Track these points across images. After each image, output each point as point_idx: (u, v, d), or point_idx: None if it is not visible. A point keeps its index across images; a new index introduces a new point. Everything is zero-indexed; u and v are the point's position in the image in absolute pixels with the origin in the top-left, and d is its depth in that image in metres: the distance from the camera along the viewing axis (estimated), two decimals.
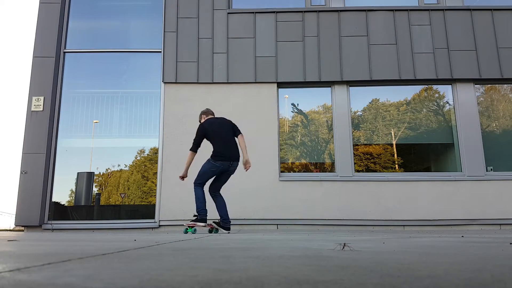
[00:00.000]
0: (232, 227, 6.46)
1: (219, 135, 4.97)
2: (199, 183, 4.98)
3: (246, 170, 5.06)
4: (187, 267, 1.08)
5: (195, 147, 4.99)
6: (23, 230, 6.67)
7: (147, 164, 7.08)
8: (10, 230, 9.72)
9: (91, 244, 2.16)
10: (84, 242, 2.34)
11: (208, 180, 5.04)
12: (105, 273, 0.96)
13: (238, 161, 5.02)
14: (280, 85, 7.05)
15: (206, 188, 5.11)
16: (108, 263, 1.18)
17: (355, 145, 6.89)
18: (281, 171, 6.76)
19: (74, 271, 0.99)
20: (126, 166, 7.03)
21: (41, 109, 6.71)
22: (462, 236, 3.39)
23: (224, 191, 6.55)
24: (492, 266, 1.13)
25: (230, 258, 1.32)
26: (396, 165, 6.87)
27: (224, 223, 4.97)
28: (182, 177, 5.12)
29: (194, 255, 1.47)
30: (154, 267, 1.08)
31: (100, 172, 7.06)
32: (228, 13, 7.24)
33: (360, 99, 7.09)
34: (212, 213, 5.33)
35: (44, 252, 1.56)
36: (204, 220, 4.90)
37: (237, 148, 5.06)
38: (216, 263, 1.19)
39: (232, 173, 5.09)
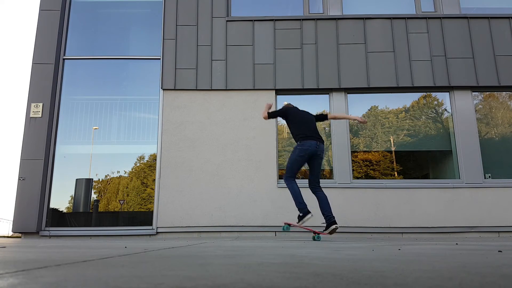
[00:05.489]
0: (230, 234, 6.44)
1: (301, 119, 4.85)
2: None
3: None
4: (158, 275, 1.08)
5: (271, 114, 4.90)
6: (20, 237, 6.67)
7: (147, 171, 7.08)
8: (7, 237, 9.73)
9: (78, 251, 2.16)
10: (73, 249, 2.34)
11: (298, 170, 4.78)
12: (73, 280, 0.96)
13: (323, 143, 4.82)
14: (279, 92, 7.07)
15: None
16: (82, 270, 1.18)
17: (354, 152, 6.88)
18: (280, 178, 6.75)
19: (43, 278, 0.99)
20: (125, 172, 7.03)
21: (40, 115, 6.73)
22: (456, 244, 3.37)
23: (222, 197, 6.56)
24: (466, 274, 1.13)
25: (207, 266, 1.32)
26: (395, 172, 6.85)
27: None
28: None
29: (173, 262, 1.47)
30: (126, 275, 1.08)
31: (99, 179, 7.06)
32: (227, 21, 7.28)
33: (359, 106, 7.09)
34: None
35: (25, 259, 1.56)
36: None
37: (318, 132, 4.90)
38: (191, 270, 1.19)
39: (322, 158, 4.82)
